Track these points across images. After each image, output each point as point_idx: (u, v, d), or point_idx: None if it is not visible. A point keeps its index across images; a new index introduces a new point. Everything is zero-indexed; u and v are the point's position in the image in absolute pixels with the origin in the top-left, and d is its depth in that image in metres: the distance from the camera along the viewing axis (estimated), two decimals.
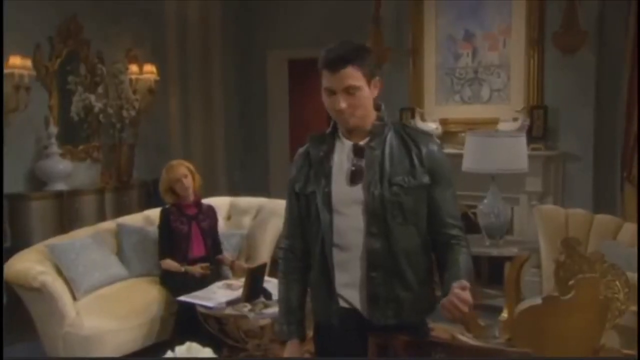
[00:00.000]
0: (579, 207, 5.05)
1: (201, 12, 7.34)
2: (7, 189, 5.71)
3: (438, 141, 2.31)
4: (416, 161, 2.19)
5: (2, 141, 5.16)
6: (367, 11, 6.51)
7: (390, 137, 2.22)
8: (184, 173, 4.74)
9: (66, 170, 6.09)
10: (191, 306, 4.08)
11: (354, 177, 2.19)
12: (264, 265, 4.40)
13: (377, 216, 2.17)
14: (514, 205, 5.80)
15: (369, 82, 2.15)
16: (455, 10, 6.13)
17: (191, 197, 4.78)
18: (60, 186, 6.03)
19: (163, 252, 4.68)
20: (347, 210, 2.20)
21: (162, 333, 4.44)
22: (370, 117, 2.21)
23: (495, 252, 4.80)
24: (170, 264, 4.62)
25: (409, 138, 2.23)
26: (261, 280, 4.18)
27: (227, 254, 4.94)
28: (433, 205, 2.21)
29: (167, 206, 4.79)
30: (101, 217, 6.13)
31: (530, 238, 5.28)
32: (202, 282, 4.38)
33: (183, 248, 4.65)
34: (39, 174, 6.01)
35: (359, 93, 2.13)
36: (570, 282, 2.83)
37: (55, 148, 6.02)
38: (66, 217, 5.94)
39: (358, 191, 2.19)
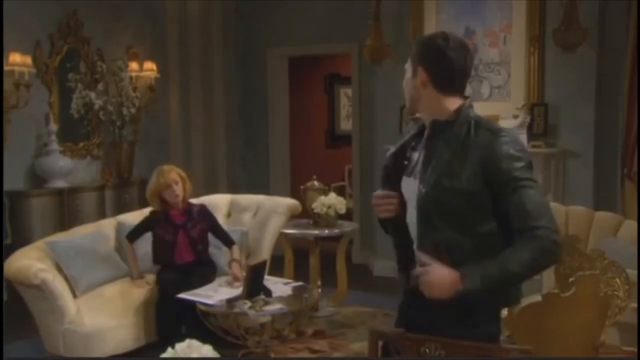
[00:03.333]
0: (579, 204, 5.04)
1: (201, 10, 7.33)
2: (7, 186, 5.73)
3: (507, 138, 2.09)
4: (466, 163, 2.07)
5: (2, 139, 5.15)
6: (367, 8, 6.50)
7: (452, 134, 2.12)
8: (175, 179, 4.50)
9: (66, 167, 6.08)
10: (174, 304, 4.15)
11: (406, 169, 2.23)
12: (264, 263, 4.39)
13: (419, 211, 2.15)
14: None
15: (412, 68, 2.16)
16: (455, 7, 6.12)
17: (180, 205, 4.56)
18: (61, 183, 6.02)
19: (129, 237, 4.62)
20: (407, 199, 2.23)
21: None
22: (421, 108, 2.18)
23: None
24: (131, 253, 4.61)
25: (474, 136, 2.10)
26: (261, 278, 4.17)
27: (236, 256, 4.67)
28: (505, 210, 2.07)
29: (155, 211, 4.61)
30: (101, 214, 6.13)
31: None
32: (189, 283, 4.30)
33: (168, 255, 4.51)
34: (39, 171, 6.00)
35: (406, 75, 2.20)
36: (571, 279, 2.83)
37: (55, 145, 6.01)
38: (66, 215, 5.93)
39: (412, 183, 2.20)
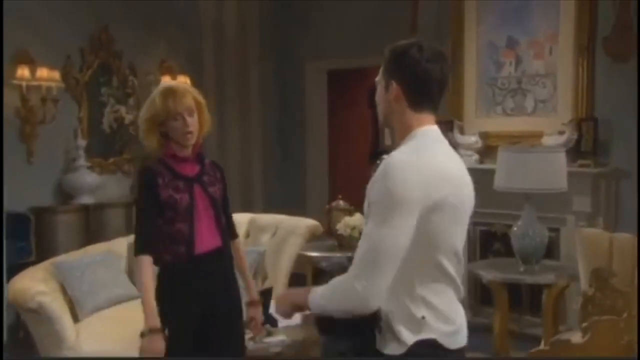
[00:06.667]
0: (633, 230, 4.55)
1: (238, 22, 7.18)
2: (34, 202, 5.69)
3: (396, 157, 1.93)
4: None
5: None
6: (406, 19, 6.21)
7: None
8: (190, 107, 2.86)
9: (93, 183, 5.99)
10: None
11: None
12: (269, 290, 4.10)
13: None
14: (561, 226, 5.35)
15: (385, 82, 2.03)
16: (497, 16, 5.71)
17: (190, 149, 2.91)
18: (87, 199, 5.93)
19: (142, 241, 2.78)
20: None
21: None
22: (394, 124, 2.05)
23: (529, 279, 4.39)
24: (146, 273, 2.72)
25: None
26: (267, 305, 3.89)
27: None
28: None
29: (149, 164, 2.92)
30: (129, 231, 6.01)
31: (575, 263, 4.83)
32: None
33: (186, 235, 2.79)
34: (66, 187, 5.94)
35: (378, 89, 2.07)
36: (584, 325, 2.43)
37: (82, 161, 5.94)
38: (92, 231, 5.83)
39: None
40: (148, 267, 2.74)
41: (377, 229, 1.85)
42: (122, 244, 4.79)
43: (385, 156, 2.07)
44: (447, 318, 1.96)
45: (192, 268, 2.79)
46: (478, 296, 5.66)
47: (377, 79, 2.07)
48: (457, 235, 2.00)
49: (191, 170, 2.88)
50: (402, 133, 2.02)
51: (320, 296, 1.97)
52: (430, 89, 1.98)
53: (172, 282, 2.80)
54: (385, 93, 2.02)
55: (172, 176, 2.82)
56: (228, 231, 3.01)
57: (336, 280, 1.94)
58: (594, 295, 3.05)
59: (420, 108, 1.99)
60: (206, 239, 2.82)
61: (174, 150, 2.86)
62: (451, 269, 1.98)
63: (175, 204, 2.77)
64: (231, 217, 3.07)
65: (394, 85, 1.98)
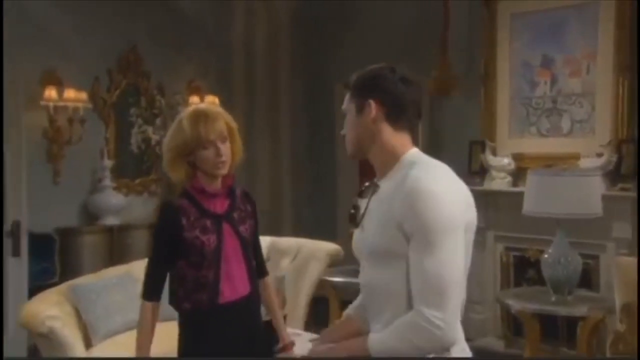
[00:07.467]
0: None
1: (269, 42, 7.12)
2: (59, 223, 5.67)
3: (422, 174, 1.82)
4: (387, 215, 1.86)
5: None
6: (437, 39, 6.03)
7: (393, 181, 1.90)
8: (222, 133, 2.49)
9: (119, 204, 5.97)
10: None
11: (351, 219, 2.07)
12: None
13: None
14: (600, 253, 5.07)
15: (357, 105, 1.97)
16: (531, 33, 5.51)
17: (219, 182, 2.57)
18: (113, 220, 5.90)
19: (148, 287, 2.58)
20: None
21: None
22: (372, 148, 1.97)
23: (561, 310, 4.13)
24: (149, 322, 2.55)
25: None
26: (273, 337, 3.70)
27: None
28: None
29: (172, 199, 2.57)
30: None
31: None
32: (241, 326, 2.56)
33: (210, 282, 2.46)
34: (92, 207, 5.92)
35: (347, 117, 2.02)
36: None
37: (108, 181, 5.92)
38: (116, 253, 5.78)
39: (357, 235, 2.05)
40: (148, 317, 2.55)
41: (434, 259, 1.76)
42: (140, 267, 4.63)
43: (371, 182, 1.99)
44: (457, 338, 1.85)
45: (215, 317, 2.48)
46: (511, 326, 5.40)
47: (344, 106, 2.02)
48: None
49: (220, 206, 2.54)
50: (384, 156, 1.95)
51: (388, 338, 1.83)
52: (407, 108, 1.94)
53: (193, 331, 2.53)
54: (359, 116, 1.95)
55: (199, 214, 2.48)
56: (257, 270, 2.71)
57: (404, 321, 1.80)
58: (625, 333, 2.80)
59: (400, 126, 1.93)
60: (234, 286, 2.50)
61: (202, 183, 2.51)
62: (464, 288, 1.91)
63: (201, 246, 2.45)
64: (261, 253, 2.78)
65: (372, 104, 1.92)
